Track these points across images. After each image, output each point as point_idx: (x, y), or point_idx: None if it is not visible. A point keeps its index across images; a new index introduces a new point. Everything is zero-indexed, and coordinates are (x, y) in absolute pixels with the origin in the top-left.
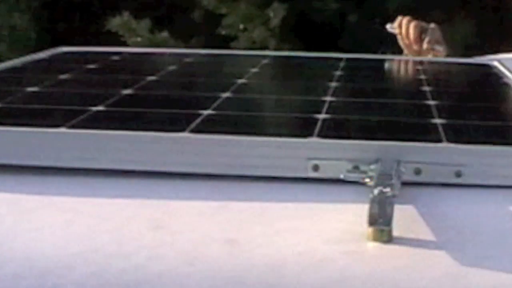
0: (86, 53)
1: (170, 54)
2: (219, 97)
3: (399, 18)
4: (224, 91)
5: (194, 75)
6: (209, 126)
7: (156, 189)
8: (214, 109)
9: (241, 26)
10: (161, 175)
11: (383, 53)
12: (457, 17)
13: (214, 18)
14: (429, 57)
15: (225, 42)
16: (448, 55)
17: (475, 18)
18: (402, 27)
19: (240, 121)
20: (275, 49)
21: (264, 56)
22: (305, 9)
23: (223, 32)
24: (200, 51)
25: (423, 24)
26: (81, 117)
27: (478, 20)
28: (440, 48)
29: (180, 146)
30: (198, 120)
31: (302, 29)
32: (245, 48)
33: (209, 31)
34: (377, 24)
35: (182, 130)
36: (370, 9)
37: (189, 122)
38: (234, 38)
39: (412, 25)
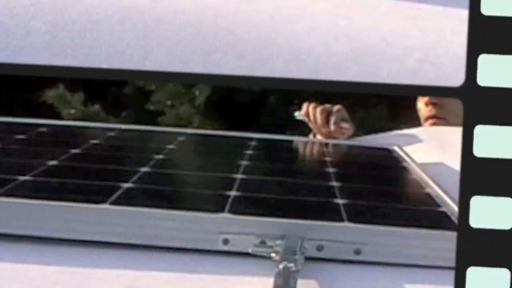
0: (15, 124)
1: (94, 128)
2: (138, 171)
3: (304, 105)
4: (143, 165)
5: (115, 149)
6: (128, 199)
7: (77, 256)
8: (133, 183)
9: (169, 103)
10: (83, 243)
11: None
12: (370, 102)
13: (143, 94)
14: (338, 136)
15: (154, 116)
16: (354, 133)
17: (387, 102)
18: (310, 114)
19: (157, 195)
20: (200, 125)
21: (181, 134)
22: (228, 89)
23: (152, 108)
24: (121, 126)
25: (328, 106)
26: (9, 186)
27: (391, 104)
28: (347, 125)
29: (100, 217)
30: (118, 192)
31: (225, 108)
32: (171, 124)
33: (139, 106)
34: (294, 106)
35: (103, 201)
36: (288, 92)
37: (109, 194)
38: (161, 113)
39: (318, 110)
